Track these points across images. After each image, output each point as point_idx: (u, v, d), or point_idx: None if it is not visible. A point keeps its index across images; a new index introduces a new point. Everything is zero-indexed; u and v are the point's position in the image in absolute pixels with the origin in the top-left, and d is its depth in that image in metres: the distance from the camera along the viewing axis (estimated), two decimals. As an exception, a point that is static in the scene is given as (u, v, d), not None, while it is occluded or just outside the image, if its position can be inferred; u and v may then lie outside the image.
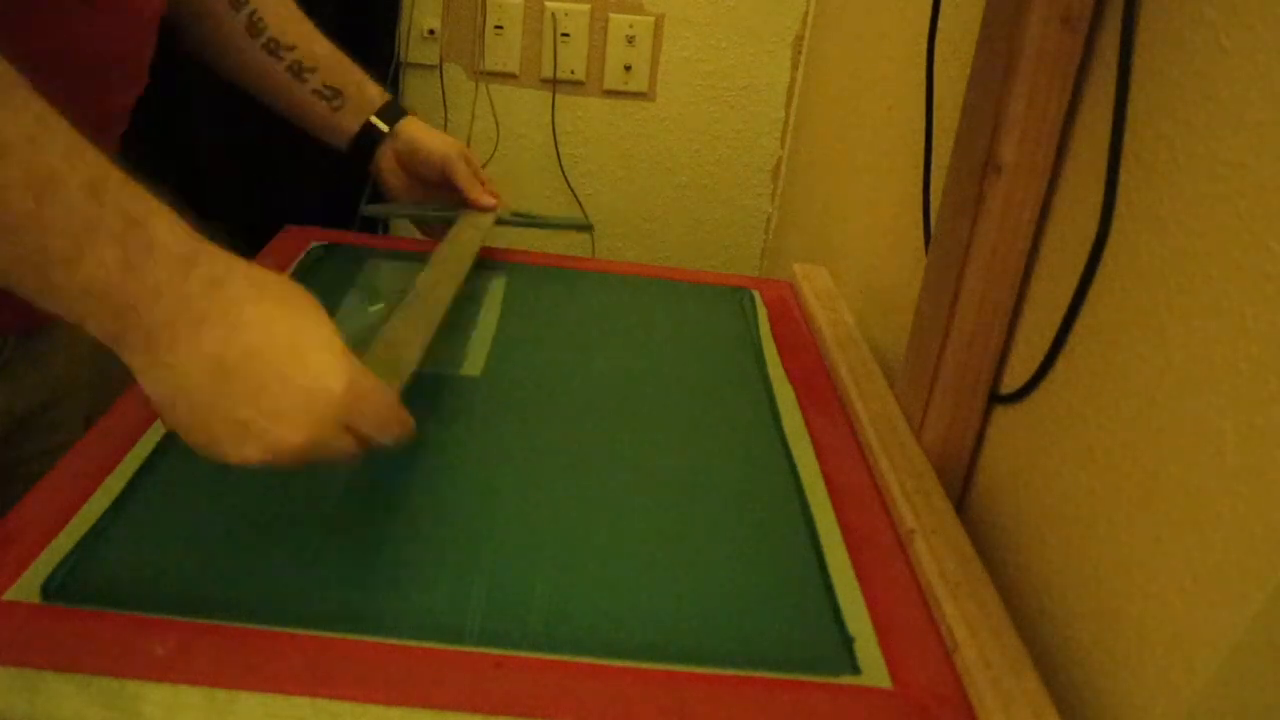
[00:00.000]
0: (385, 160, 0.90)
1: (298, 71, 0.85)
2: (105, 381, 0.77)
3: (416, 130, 0.89)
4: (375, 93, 0.89)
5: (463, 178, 0.89)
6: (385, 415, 0.49)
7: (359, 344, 0.74)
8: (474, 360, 0.74)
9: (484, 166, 0.90)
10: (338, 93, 0.87)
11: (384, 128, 0.88)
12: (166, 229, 0.43)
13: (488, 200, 0.90)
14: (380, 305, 0.83)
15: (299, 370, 0.45)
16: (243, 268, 0.46)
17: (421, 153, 0.88)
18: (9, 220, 0.39)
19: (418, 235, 0.98)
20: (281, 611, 0.48)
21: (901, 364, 0.73)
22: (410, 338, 0.62)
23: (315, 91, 0.86)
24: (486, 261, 0.91)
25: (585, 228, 1.44)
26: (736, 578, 0.54)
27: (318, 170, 1.33)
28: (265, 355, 0.44)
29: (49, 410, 0.74)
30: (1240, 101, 0.45)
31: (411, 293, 0.68)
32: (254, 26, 0.82)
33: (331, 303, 0.79)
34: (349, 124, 0.88)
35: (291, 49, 0.84)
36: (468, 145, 1.48)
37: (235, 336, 0.43)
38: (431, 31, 1.42)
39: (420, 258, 0.89)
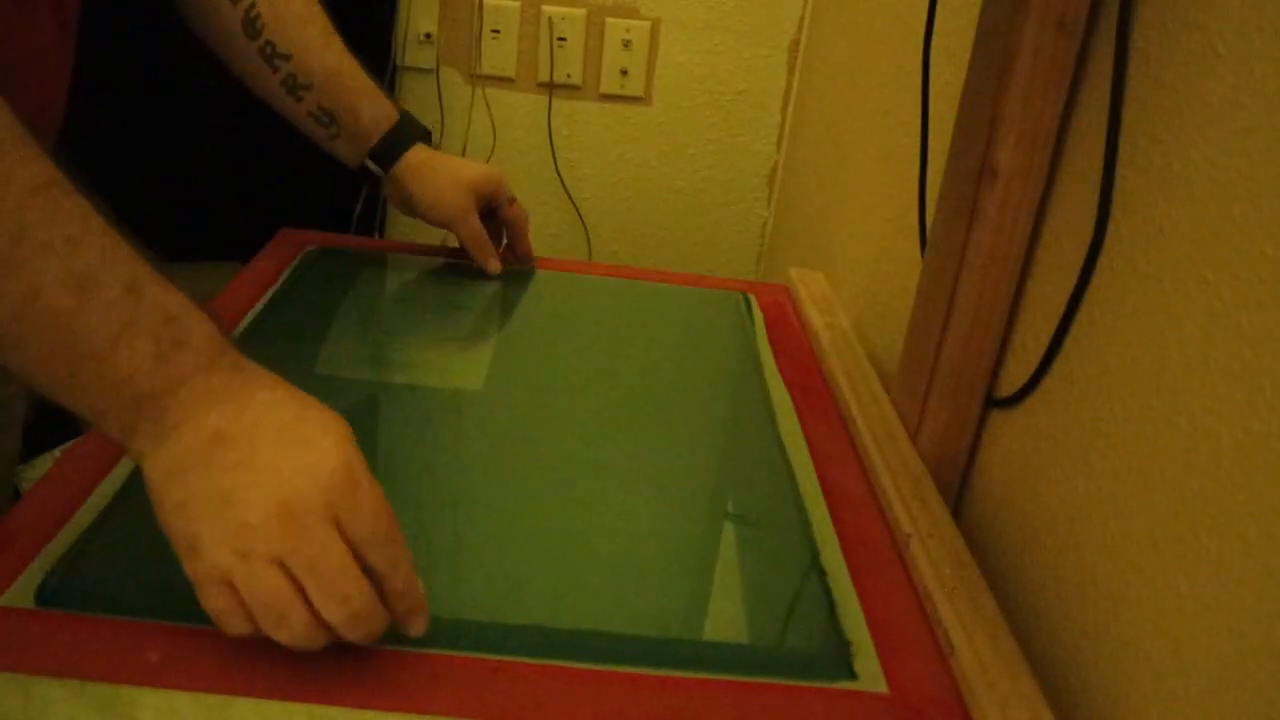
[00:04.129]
0: (393, 200, 0.84)
1: (292, 87, 0.76)
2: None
3: (413, 184, 0.81)
4: (369, 122, 0.80)
5: (468, 243, 0.84)
6: (381, 519, 0.42)
7: (353, 364, 0.72)
8: (475, 373, 0.73)
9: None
10: (332, 119, 0.78)
11: (379, 172, 0.81)
12: (200, 324, 0.43)
13: (493, 266, 0.85)
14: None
15: (294, 439, 0.42)
16: (266, 371, 0.46)
17: (420, 209, 0.82)
18: (46, 319, 0.39)
19: (415, 238, 0.96)
20: (276, 616, 0.47)
21: (897, 368, 0.73)
22: None
23: (310, 114, 0.78)
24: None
25: None
26: (732, 583, 0.54)
27: (314, 172, 1.33)
28: (263, 425, 0.42)
29: None
30: (1234, 106, 0.45)
31: None
32: (250, 25, 0.73)
33: (327, 306, 0.79)
34: (347, 155, 0.81)
35: (287, 59, 0.75)
36: (464, 149, 1.48)
37: (241, 413, 0.42)
38: (428, 35, 1.42)
39: (416, 262, 0.90)
